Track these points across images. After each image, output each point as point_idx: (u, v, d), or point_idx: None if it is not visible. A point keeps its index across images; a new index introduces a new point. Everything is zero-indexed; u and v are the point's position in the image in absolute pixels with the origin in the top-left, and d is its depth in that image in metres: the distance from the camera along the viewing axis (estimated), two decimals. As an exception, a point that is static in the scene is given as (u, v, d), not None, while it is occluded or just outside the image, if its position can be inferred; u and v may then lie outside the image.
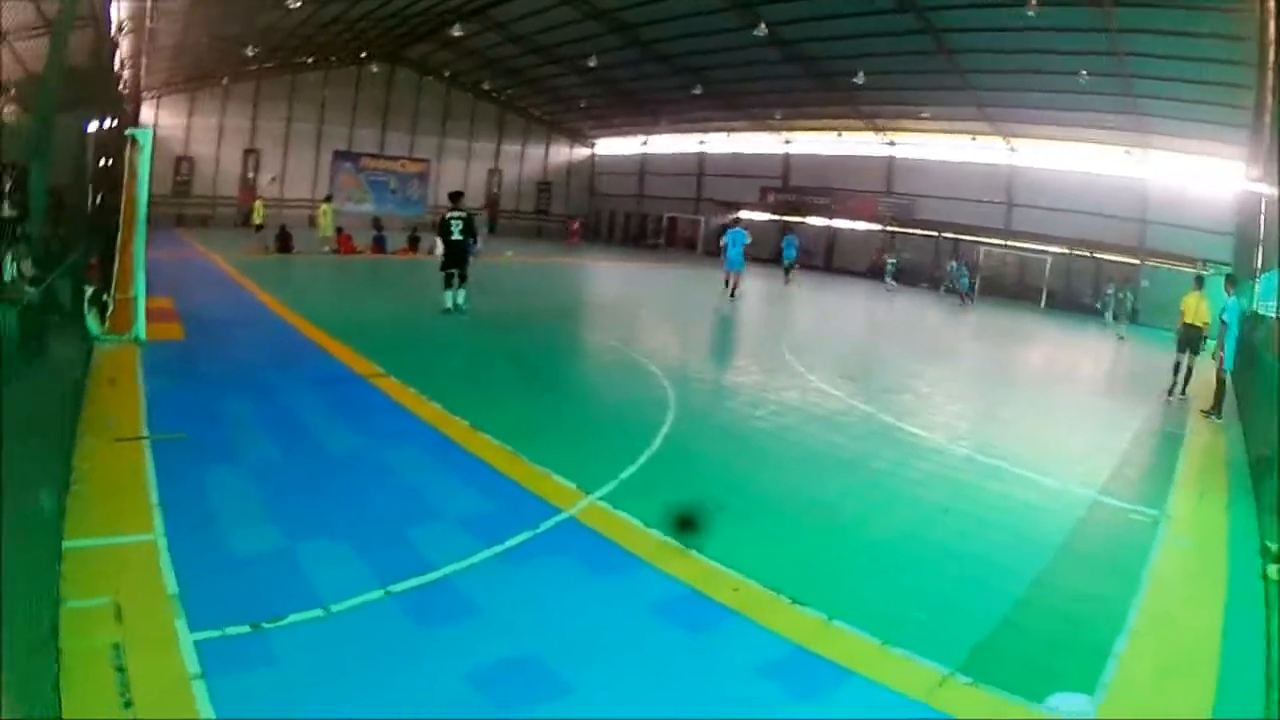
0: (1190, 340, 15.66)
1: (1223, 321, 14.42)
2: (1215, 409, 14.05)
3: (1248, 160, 31.16)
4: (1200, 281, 17.41)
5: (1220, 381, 14.30)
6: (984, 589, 5.72)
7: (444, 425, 8.41)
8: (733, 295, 26.38)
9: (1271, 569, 6.37)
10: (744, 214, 51.42)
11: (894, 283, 42.66)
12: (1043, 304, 41.70)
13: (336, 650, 4.27)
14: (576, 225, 57.77)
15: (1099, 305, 36.40)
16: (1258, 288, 18.93)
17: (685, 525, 6.12)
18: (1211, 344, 15.63)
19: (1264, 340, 15.27)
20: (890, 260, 44.63)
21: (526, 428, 8.53)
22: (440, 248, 18.14)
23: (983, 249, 45.64)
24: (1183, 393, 15.41)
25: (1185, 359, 15.64)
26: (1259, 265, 20.90)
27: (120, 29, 25.13)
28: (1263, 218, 21.76)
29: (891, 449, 9.34)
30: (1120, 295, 33.59)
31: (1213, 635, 5.39)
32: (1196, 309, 15.86)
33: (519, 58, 52.14)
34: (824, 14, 37.10)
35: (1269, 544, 6.92)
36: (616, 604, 5.04)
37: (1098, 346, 26.73)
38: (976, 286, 42.12)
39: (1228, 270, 30.22)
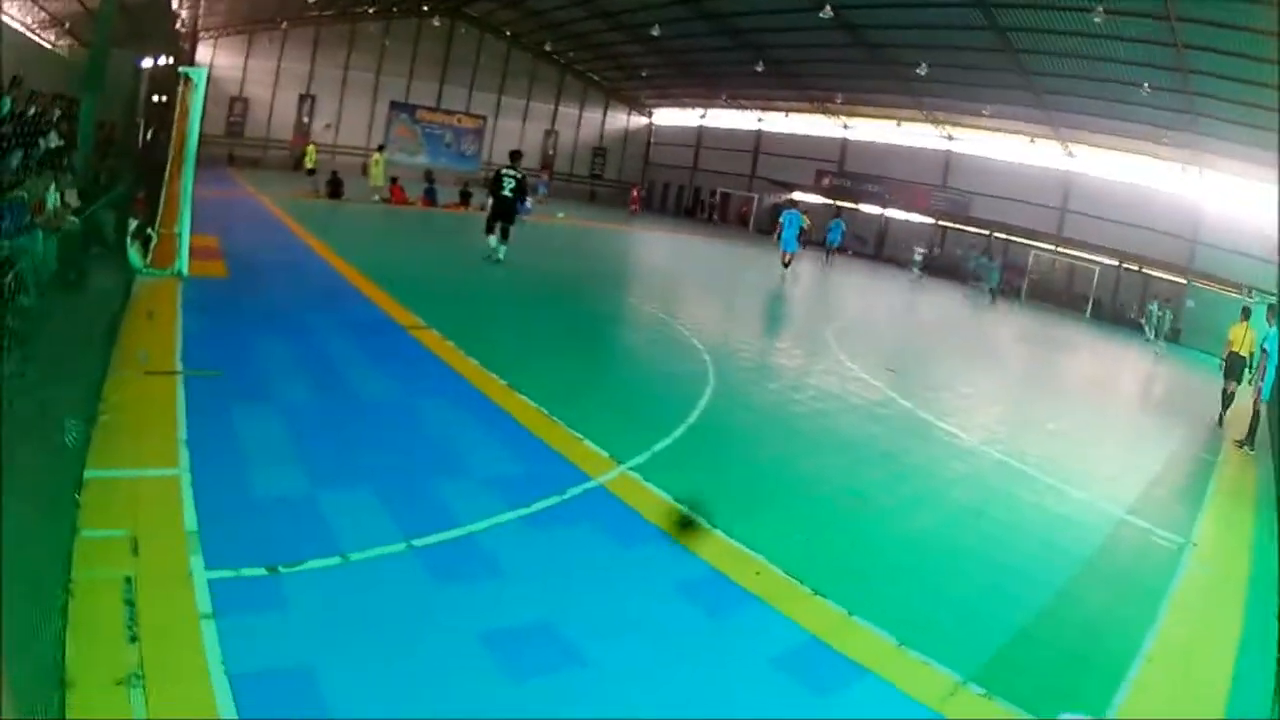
0: (1236, 369, 15.72)
1: (1263, 350, 14.19)
2: (1249, 439, 13.78)
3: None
4: (1246, 313, 17.46)
5: (1256, 412, 14.07)
6: (1006, 598, 5.66)
7: (480, 382, 8.39)
8: (786, 266, 26.95)
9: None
10: (798, 195, 50.81)
11: (919, 273, 42.54)
12: (1088, 313, 41.13)
13: (351, 599, 4.26)
14: (637, 193, 56.92)
15: (1142, 320, 35.75)
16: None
17: (699, 511, 6.02)
18: (1251, 373, 15.39)
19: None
20: (920, 251, 44.56)
21: (563, 391, 8.49)
22: (490, 201, 18.65)
23: (1033, 253, 44.98)
24: (1224, 420, 15.39)
25: (1231, 386, 15.71)
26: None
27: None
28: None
29: (927, 446, 9.24)
30: (1161, 313, 33.37)
31: (1225, 670, 5.33)
32: (1243, 339, 15.93)
33: (582, 21, 51.79)
34: (892, 2, 36.71)
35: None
36: (637, 579, 5.01)
37: (1138, 363, 26.44)
38: (1018, 287, 42.41)
39: (1272, 299, 29.76)
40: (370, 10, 52.21)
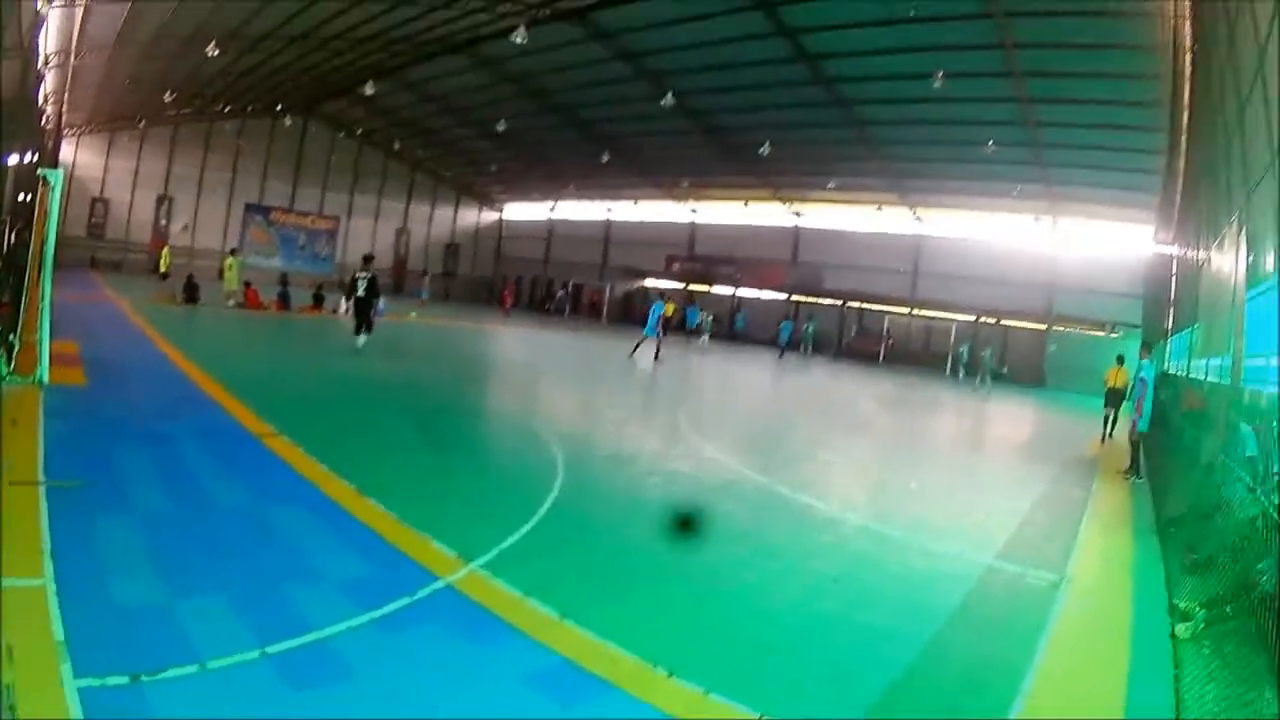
0: (1114, 399, 20.22)
1: (1141, 380, 14.84)
2: (1132, 468, 14.50)
3: (1157, 224, 32.08)
4: (1121, 359, 20.84)
5: (1134, 443, 14.76)
6: (875, 659, 5.56)
7: (330, 487, 8.23)
8: (656, 357, 28.33)
9: (1180, 628, 6.35)
10: (650, 282, 54.67)
11: (782, 349, 43.61)
12: (948, 370, 42.63)
13: (209, 707, 4.23)
14: (508, 290, 56.64)
15: (953, 363, 40.10)
16: (1169, 348, 19.68)
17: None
18: (1129, 406, 16.25)
19: (1172, 400, 15.71)
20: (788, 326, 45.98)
21: (412, 492, 8.37)
22: (344, 305, 20.91)
23: (887, 318, 47.32)
24: (1111, 436, 18.82)
25: (1110, 413, 20.29)
26: (1169, 327, 21.43)
27: (46, 63, 24.91)
28: (1173, 280, 22.37)
29: (785, 520, 9.17)
30: (981, 354, 36.97)
31: (1116, 696, 5.41)
32: (1116, 376, 20.26)
33: (431, 119, 53.03)
34: (732, 85, 38.10)
35: (1177, 603, 6.93)
36: (490, 675, 4.90)
37: (999, 411, 27.51)
38: (825, 345, 45.54)
39: (1138, 332, 31.19)
40: (225, 109, 52.31)
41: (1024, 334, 43.87)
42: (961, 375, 37.85)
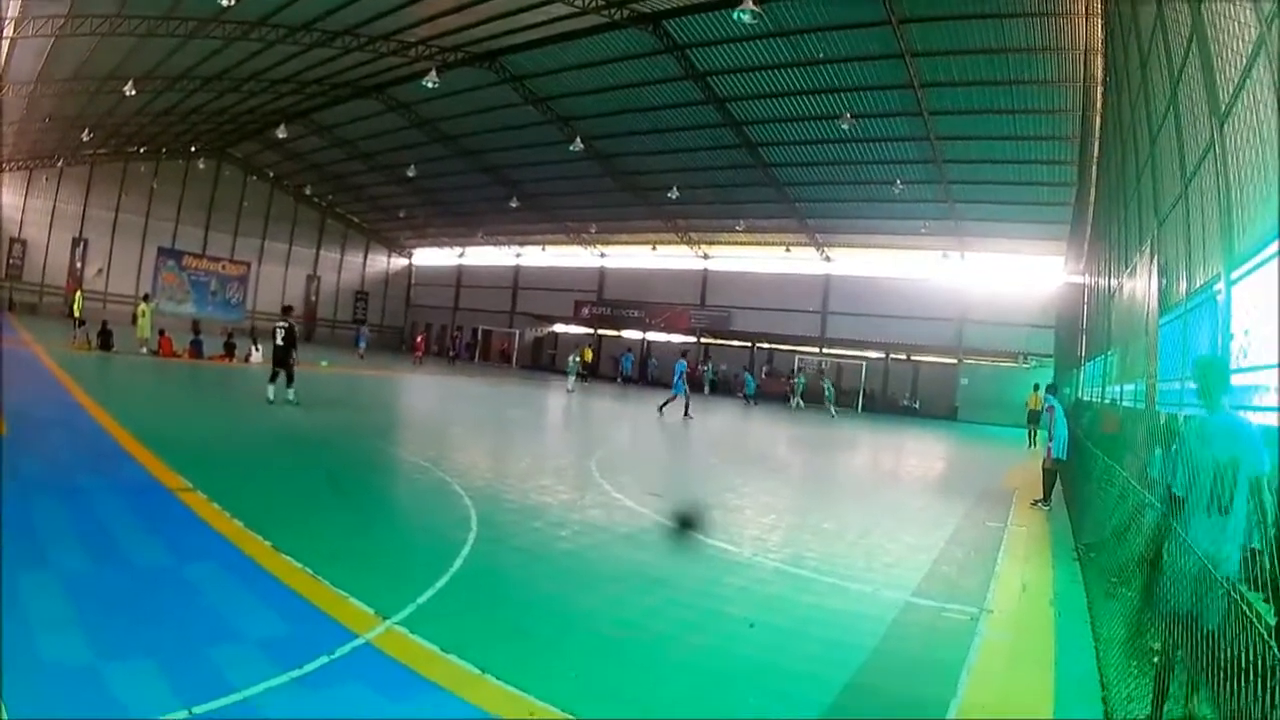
0: (1034, 418, 24.36)
1: (1050, 408, 15.29)
2: (1045, 498, 14.83)
3: (1068, 254, 32.84)
4: (1037, 387, 26.04)
5: (1048, 471, 15.10)
6: (793, 703, 5.57)
7: (245, 544, 8.03)
8: (685, 413, 29.28)
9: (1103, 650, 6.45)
10: (559, 328, 56.34)
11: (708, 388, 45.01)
12: (859, 407, 43.54)
13: None
14: (422, 340, 55.60)
15: (788, 391, 42.20)
16: (1082, 374, 20.17)
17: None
18: (1043, 434, 16.80)
19: (1088, 425, 16.02)
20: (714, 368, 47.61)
21: (327, 548, 8.18)
22: (256, 355, 21.42)
23: (797, 357, 48.06)
24: (1035, 444, 20.58)
25: (1033, 429, 23.63)
26: (1082, 354, 21.97)
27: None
28: (1084, 308, 22.95)
29: (698, 566, 9.10)
30: (822, 384, 40.35)
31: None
32: (1035, 400, 25.84)
33: (341, 163, 53.33)
34: (641, 129, 38.65)
35: (1099, 629, 7.01)
36: (412, 732, 4.85)
37: (915, 447, 27.86)
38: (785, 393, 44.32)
39: (1050, 361, 32.18)
40: (141, 150, 51.83)
41: (936, 368, 44.79)
42: (801, 406, 38.92)
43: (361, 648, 5.86)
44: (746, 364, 48.89)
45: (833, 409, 38.16)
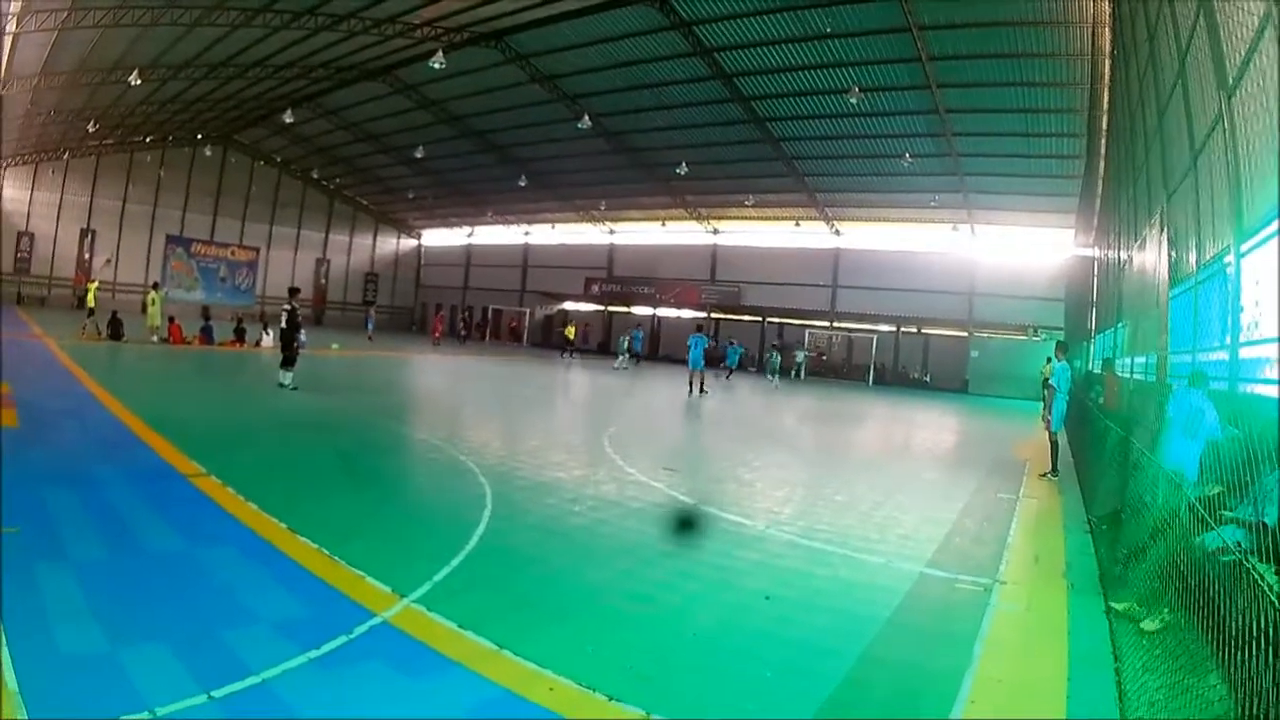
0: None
1: (1049, 385, 15.22)
2: (1053, 469, 14.89)
3: (1077, 227, 32.63)
4: (1049, 359, 22.06)
5: (1052, 443, 15.22)
6: (809, 674, 5.56)
7: (261, 527, 8.07)
8: (702, 391, 28.96)
9: (1117, 621, 6.43)
10: (569, 305, 55.74)
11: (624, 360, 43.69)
12: (870, 381, 43.34)
13: None
14: (439, 319, 55.59)
15: (764, 363, 42.48)
16: (1093, 348, 20.12)
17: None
18: (1040, 407, 16.64)
19: (1098, 397, 16.00)
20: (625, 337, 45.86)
21: (342, 529, 8.21)
22: (267, 339, 20.69)
23: (808, 331, 48.03)
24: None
25: (1048, 395, 20.28)
26: (1092, 327, 21.83)
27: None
28: (1094, 280, 22.73)
29: (712, 539, 9.10)
30: (794, 355, 42.11)
31: (1058, 696, 5.45)
32: (1049, 371, 20.54)
33: (349, 145, 53.24)
34: (649, 105, 38.41)
35: (1114, 604, 6.98)
36: (431, 709, 4.85)
37: (924, 420, 27.81)
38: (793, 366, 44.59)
39: (1060, 334, 31.82)
40: (146, 139, 51.72)
41: (946, 341, 44.71)
42: (775, 378, 39.00)
43: (379, 626, 5.89)
44: (760, 340, 49.31)
45: (775, 379, 38.46)
